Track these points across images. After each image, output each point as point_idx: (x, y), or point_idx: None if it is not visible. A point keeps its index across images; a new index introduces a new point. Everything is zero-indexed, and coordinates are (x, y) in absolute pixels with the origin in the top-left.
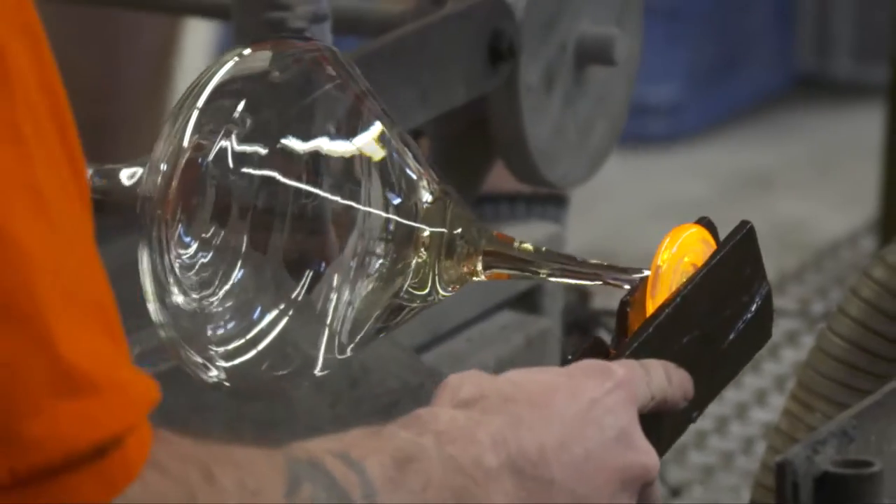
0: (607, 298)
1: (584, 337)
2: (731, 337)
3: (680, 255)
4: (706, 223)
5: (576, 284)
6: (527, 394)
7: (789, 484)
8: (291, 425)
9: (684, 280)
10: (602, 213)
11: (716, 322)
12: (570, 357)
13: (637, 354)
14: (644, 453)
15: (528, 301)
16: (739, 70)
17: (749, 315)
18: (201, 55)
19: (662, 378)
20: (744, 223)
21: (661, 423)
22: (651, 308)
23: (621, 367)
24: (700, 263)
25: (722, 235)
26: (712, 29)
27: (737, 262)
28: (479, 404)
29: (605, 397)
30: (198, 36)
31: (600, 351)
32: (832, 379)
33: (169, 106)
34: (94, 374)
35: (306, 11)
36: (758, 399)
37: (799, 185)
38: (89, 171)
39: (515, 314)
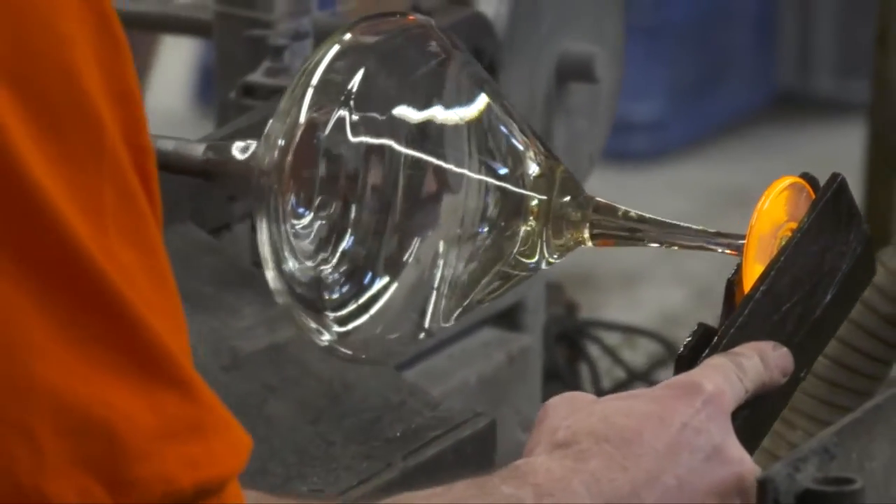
0: (595, 310)
1: (693, 330)
2: (833, 291)
3: (775, 217)
4: (808, 178)
5: (681, 248)
6: (618, 430)
7: (771, 501)
8: (272, 442)
9: (782, 244)
10: None
11: (815, 281)
12: (682, 352)
13: (737, 337)
14: (737, 464)
15: (509, 318)
16: (721, 87)
17: (848, 265)
18: (179, 70)
19: (758, 366)
20: (834, 175)
21: (763, 405)
22: (749, 281)
23: (710, 380)
24: (800, 216)
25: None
26: (694, 46)
27: (831, 217)
28: (574, 448)
29: (695, 418)
30: (176, 52)
31: (708, 337)
32: (813, 396)
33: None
34: (201, 419)
35: (288, 29)
36: None
37: None
38: (201, 146)
39: (497, 331)
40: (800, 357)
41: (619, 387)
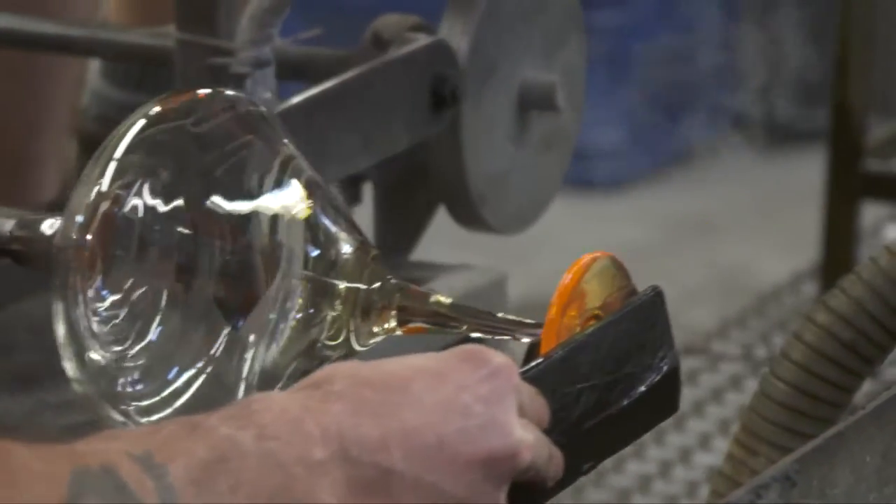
0: None
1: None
2: (628, 400)
3: (580, 302)
4: (616, 264)
5: (491, 339)
6: (383, 376)
7: None
8: None
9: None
10: (545, 257)
11: (611, 381)
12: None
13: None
14: (515, 442)
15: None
16: (682, 115)
17: (650, 382)
18: None
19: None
20: (653, 287)
21: (529, 495)
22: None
23: (499, 355)
24: (611, 304)
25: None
26: (655, 73)
27: (640, 324)
28: (324, 388)
29: (479, 385)
30: None
31: None
32: (775, 423)
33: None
34: None
35: (249, 57)
36: (701, 443)
37: (741, 230)
38: (11, 223)
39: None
40: (586, 446)
41: None
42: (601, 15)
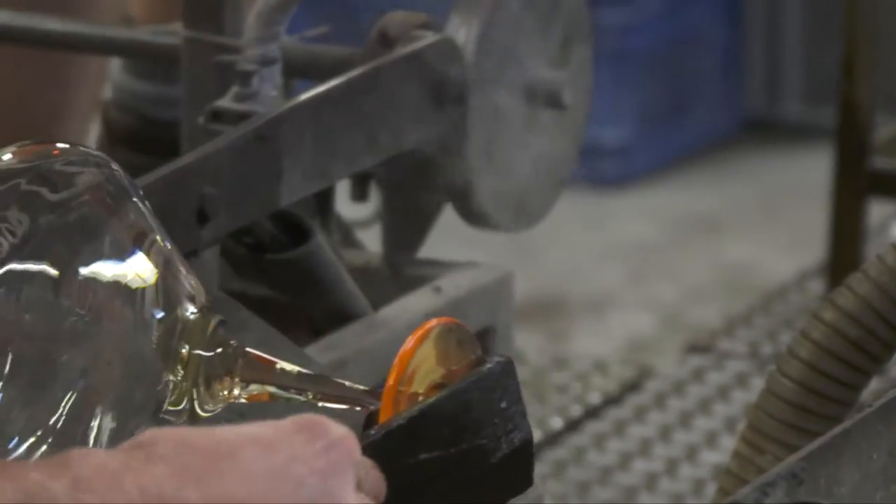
0: (564, 336)
1: None
2: (474, 473)
3: (425, 370)
4: (461, 329)
5: (334, 408)
6: (211, 443)
7: None
8: None
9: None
10: (552, 255)
11: (456, 452)
12: None
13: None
14: None
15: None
16: (689, 112)
17: (500, 455)
18: None
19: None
20: (502, 356)
21: None
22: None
23: (338, 428)
24: (457, 372)
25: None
26: (662, 71)
27: (487, 393)
28: (148, 449)
29: (315, 457)
30: None
31: None
32: (782, 421)
33: None
34: None
35: (256, 55)
36: (708, 441)
37: (748, 228)
38: None
39: None
40: None
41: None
42: (608, 13)
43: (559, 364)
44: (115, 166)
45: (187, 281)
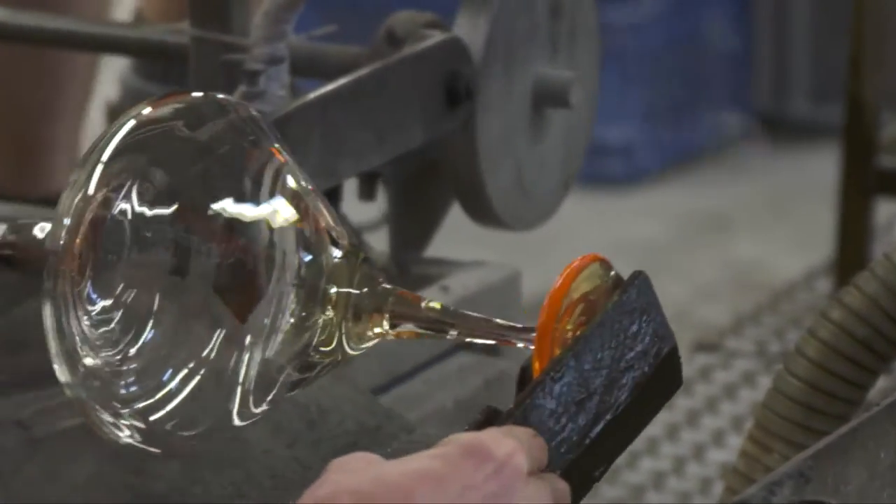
0: None
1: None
2: (630, 395)
3: (573, 302)
4: (605, 265)
5: (482, 344)
6: (386, 490)
7: None
8: (248, 465)
9: (577, 334)
10: (559, 254)
11: (609, 383)
12: (467, 428)
13: (523, 421)
14: None
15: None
16: (695, 111)
17: (650, 369)
18: None
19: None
20: (636, 273)
21: None
22: (538, 369)
23: (503, 445)
24: (599, 299)
25: (675, 277)
26: (668, 70)
27: (631, 315)
28: None
29: (485, 483)
30: None
31: (492, 421)
32: (789, 420)
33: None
34: None
35: (263, 53)
36: (715, 440)
37: (755, 227)
38: (2, 227)
39: (473, 355)
40: (595, 454)
41: None
42: (615, 11)
43: None
44: (253, 111)
45: (331, 222)
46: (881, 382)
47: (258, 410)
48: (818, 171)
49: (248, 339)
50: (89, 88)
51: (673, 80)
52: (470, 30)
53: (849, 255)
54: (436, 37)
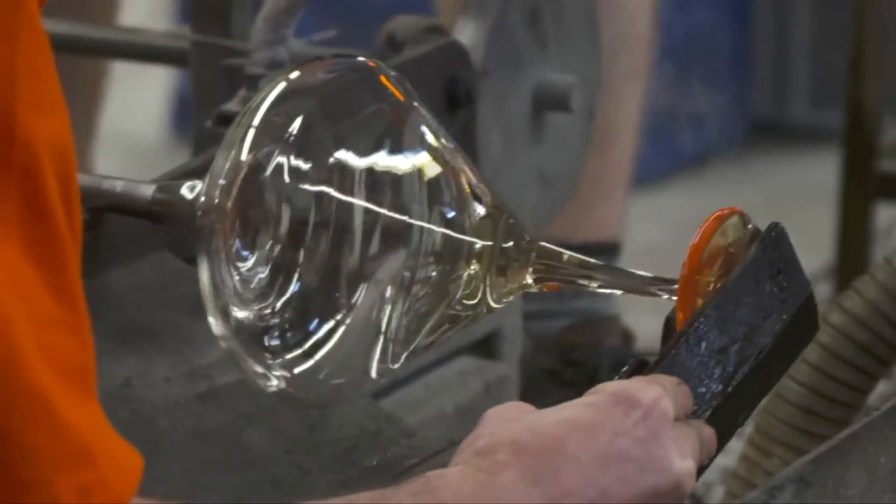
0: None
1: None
2: (769, 342)
3: (713, 253)
4: (743, 217)
5: (622, 294)
6: (541, 440)
7: None
8: (248, 470)
9: (715, 286)
10: None
11: (752, 327)
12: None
13: (668, 371)
14: (676, 472)
15: (486, 347)
16: (695, 115)
17: (787, 317)
18: (155, 100)
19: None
20: (773, 225)
21: None
22: (682, 319)
23: (649, 391)
24: (738, 251)
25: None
26: (669, 74)
27: (768, 266)
28: (490, 459)
29: (634, 428)
30: (153, 82)
31: (641, 371)
32: (790, 424)
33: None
34: (91, 445)
35: (263, 58)
36: None
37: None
38: (151, 188)
39: (474, 360)
40: (738, 400)
41: None
42: None
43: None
44: (394, 73)
45: (473, 179)
46: (881, 387)
47: (399, 363)
48: (818, 175)
49: (388, 292)
50: (95, 96)
51: (673, 84)
52: (470, 34)
53: (849, 260)
54: (436, 41)
